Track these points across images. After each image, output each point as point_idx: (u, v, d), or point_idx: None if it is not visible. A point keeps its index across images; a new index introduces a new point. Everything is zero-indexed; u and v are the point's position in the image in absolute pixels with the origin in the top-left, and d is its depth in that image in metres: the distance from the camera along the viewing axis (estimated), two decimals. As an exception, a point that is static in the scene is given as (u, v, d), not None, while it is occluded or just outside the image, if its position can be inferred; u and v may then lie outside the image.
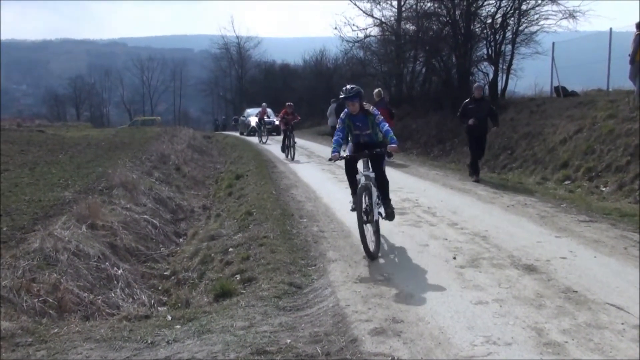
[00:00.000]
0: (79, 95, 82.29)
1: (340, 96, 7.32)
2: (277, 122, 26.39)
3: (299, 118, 22.37)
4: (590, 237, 7.69)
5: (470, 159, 13.61)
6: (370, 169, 7.29)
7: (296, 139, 20.04)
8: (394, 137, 7.04)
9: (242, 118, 37.66)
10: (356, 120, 7.37)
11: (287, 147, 19.05)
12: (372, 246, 6.89)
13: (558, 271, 6.18)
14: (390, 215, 7.50)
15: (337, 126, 7.47)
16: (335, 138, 7.40)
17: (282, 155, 19.40)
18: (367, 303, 5.41)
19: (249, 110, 37.10)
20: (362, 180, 7.14)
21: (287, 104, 21.08)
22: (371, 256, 6.87)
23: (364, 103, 7.29)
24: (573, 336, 4.51)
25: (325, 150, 21.05)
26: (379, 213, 7.28)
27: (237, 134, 36.50)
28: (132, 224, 10.14)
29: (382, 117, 7.29)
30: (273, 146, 23.88)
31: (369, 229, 7.01)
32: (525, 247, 7.21)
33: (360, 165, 7.40)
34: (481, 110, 12.91)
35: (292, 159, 18.55)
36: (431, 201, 10.51)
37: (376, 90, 17.89)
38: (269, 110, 30.06)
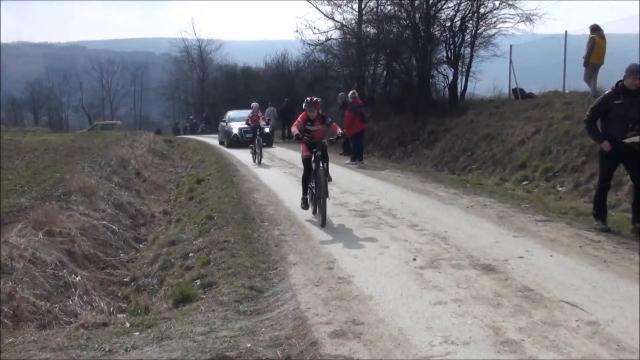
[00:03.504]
0: (36, 100, 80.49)
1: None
2: (266, 131, 21.02)
3: (341, 132, 9.87)
4: (546, 236, 7.84)
5: (599, 191, 8.32)
6: None
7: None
8: None
9: (222, 123, 28.89)
10: None
11: (312, 189, 9.70)
12: None
13: (515, 270, 6.29)
14: None
15: None
16: None
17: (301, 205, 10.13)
18: (328, 306, 5.41)
19: (230, 113, 28.31)
20: None
21: (307, 99, 9.71)
22: None
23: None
24: (529, 334, 4.58)
25: (286, 154, 21.04)
26: None
27: (199, 137, 35.35)
28: (90, 230, 9.98)
29: None
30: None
31: None
32: (484, 247, 7.31)
33: None
34: (637, 110, 7.70)
35: (323, 224, 8.97)
36: (392, 203, 10.58)
37: (350, 92, 18.19)
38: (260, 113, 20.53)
